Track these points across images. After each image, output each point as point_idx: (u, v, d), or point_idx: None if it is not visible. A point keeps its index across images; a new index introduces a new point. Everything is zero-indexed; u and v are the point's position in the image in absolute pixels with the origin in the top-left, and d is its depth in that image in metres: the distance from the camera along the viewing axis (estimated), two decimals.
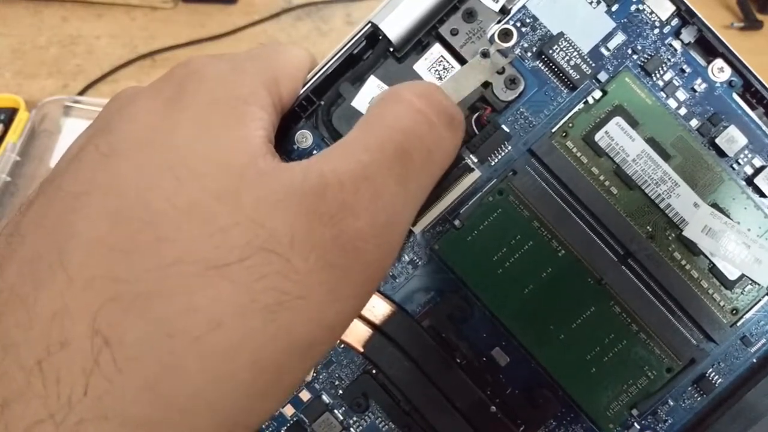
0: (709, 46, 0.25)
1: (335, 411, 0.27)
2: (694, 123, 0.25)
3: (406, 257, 0.27)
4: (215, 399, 0.17)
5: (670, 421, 0.26)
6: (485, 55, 0.25)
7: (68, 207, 0.19)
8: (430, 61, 0.26)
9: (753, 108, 0.25)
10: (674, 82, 0.25)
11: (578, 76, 0.25)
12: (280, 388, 0.19)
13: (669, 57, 0.25)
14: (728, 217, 0.25)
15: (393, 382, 0.26)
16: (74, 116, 0.55)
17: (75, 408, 0.17)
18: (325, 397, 0.27)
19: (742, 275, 0.25)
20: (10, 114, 0.53)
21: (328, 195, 0.18)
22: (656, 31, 0.25)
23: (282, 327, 0.17)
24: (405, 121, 0.20)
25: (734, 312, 0.25)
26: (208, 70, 0.21)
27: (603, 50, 0.26)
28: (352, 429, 0.27)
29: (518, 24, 0.26)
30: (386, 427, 0.27)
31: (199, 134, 0.19)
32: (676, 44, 0.25)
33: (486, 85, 0.26)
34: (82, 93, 0.56)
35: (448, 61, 0.26)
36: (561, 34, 0.25)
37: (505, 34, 0.25)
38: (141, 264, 0.18)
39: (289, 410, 0.27)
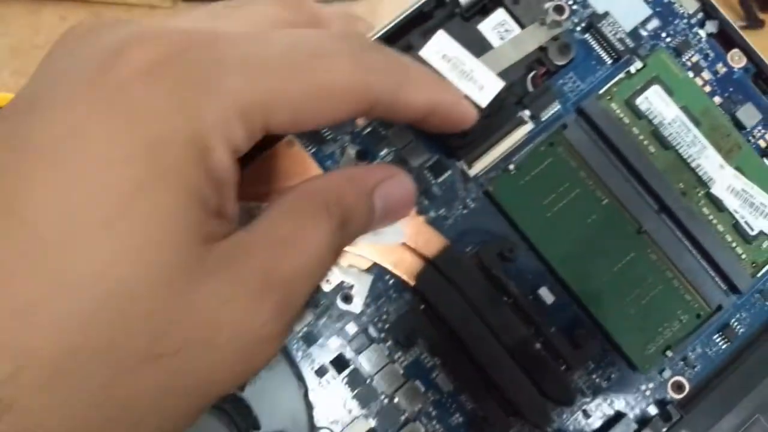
0: (728, 38, 0.29)
1: (381, 345, 0.27)
2: (717, 99, 0.29)
3: (458, 200, 0.28)
4: None
5: (698, 368, 0.27)
6: (543, 22, 0.28)
7: None
8: (493, 23, 0.29)
9: (765, 93, 0.29)
10: (700, 63, 0.29)
11: (622, 48, 0.29)
12: None
13: (696, 43, 0.29)
14: (748, 179, 0.28)
15: (441, 317, 0.27)
16: None
17: None
18: (371, 331, 0.27)
19: (761, 231, 0.28)
20: None
21: None
22: (684, 21, 0.29)
23: None
24: None
25: (754, 265, 0.28)
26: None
27: (642, 31, 0.29)
28: (396, 364, 0.27)
29: (570, 2, 0.29)
30: (431, 363, 0.27)
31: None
32: (702, 33, 0.29)
33: (542, 49, 0.29)
34: None
35: (509, 25, 0.29)
36: (607, 13, 0.29)
37: (559, 9, 0.28)
38: None
39: (334, 342, 0.27)
